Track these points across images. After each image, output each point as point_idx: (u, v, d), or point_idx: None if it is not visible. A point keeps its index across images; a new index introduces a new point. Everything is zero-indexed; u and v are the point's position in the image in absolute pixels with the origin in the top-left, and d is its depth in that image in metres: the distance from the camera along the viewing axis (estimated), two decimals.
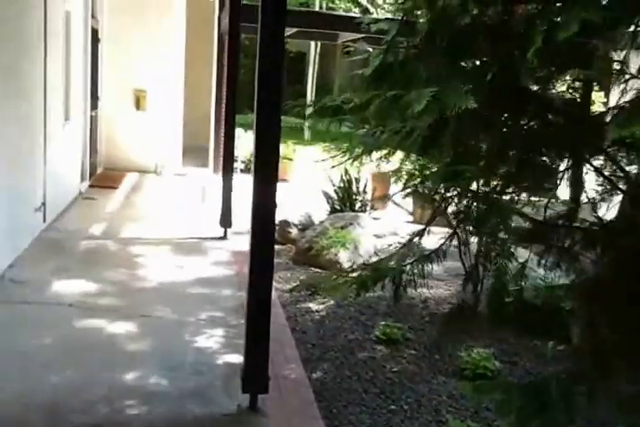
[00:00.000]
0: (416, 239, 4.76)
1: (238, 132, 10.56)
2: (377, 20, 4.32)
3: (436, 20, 3.13)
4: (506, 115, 3.70)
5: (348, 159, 4.86)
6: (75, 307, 6.02)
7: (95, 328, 5.61)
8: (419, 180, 4.62)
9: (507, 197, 4.21)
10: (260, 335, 4.37)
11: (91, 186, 11.56)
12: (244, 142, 12.40)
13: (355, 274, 4.88)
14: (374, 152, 4.66)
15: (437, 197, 4.59)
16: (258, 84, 4.10)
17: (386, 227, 10.28)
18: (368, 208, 11.14)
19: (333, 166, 4.59)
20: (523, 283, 4.45)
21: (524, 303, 4.25)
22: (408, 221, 11.20)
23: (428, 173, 4.27)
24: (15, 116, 7.02)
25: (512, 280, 4.36)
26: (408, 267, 4.52)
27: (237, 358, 4.93)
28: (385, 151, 4.65)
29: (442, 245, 4.65)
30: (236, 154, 10.65)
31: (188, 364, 5.10)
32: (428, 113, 2.94)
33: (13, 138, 6.99)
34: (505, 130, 3.73)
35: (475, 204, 4.11)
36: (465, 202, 4.23)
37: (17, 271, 6.74)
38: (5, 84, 6.69)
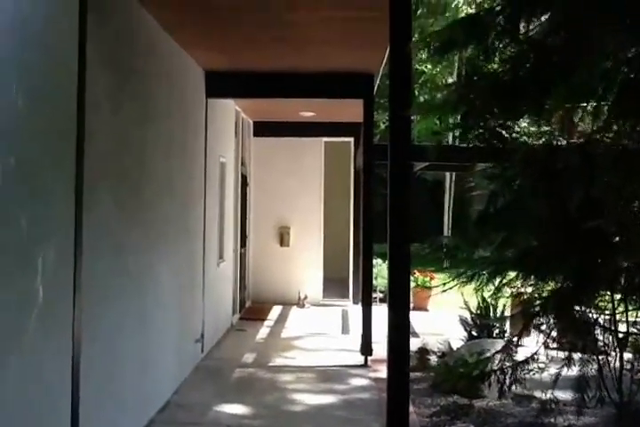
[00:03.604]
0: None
1: (376, 261, 11.28)
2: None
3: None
4: None
5: (470, 283, 5.28)
6: None
7: None
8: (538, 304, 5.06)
9: None
10: None
11: (241, 318, 12.64)
12: (383, 272, 13.11)
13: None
14: (495, 275, 5.05)
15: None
16: (389, 216, 4.84)
17: (524, 353, 10.54)
18: (506, 334, 11.44)
19: (457, 287, 5.08)
20: None
21: None
22: (551, 347, 11.37)
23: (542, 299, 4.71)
24: (183, 257, 8.15)
25: None
26: None
27: None
28: (511, 276, 5.04)
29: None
30: (374, 284, 11.32)
31: None
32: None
33: (183, 278, 8.11)
34: None
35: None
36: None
37: (181, 397, 7.64)
38: (176, 226, 7.87)
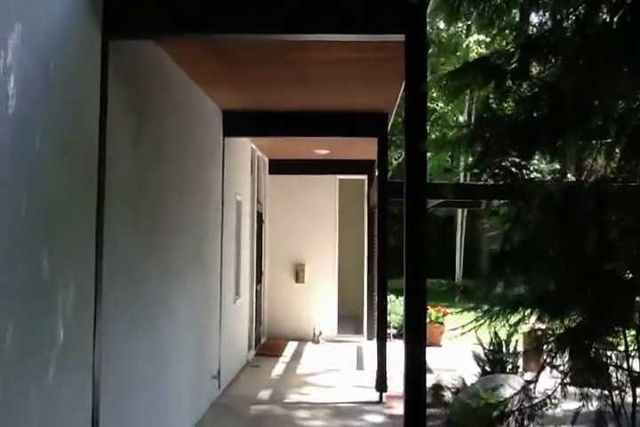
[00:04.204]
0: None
1: (390, 297, 11.26)
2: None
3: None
4: None
5: (488, 321, 5.24)
6: None
7: None
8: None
9: None
10: None
11: (257, 354, 12.56)
12: (397, 308, 13.08)
13: None
14: (511, 313, 5.03)
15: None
16: (405, 253, 4.82)
17: (538, 388, 10.45)
18: (520, 370, 11.36)
19: (475, 328, 5.03)
20: None
21: None
22: (565, 382, 11.27)
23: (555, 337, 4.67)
24: (200, 294, 8.15)
25: None
26: None
27: None
28: (526, 311, 5.02)
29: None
30: (388, 320, 11.30)
31: None
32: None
33: (199, 314, 8.10)
34: None
35: None
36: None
37: None
38: (193, 263, 7.88)
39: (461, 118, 25.14)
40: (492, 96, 3.66)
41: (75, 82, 4.56)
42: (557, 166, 4.70)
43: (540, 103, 3.44)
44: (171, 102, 7.02)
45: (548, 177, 4.27)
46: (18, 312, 3.79)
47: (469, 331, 5.26)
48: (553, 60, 3.47)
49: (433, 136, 24.06)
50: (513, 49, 3.55)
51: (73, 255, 4.53)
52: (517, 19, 3.93)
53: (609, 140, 3.30)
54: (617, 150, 3.41)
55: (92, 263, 4.80)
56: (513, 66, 3.41)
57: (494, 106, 3.61)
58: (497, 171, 3.78)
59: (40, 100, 4.05)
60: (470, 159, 3.89)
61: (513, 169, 3.86)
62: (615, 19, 3.32)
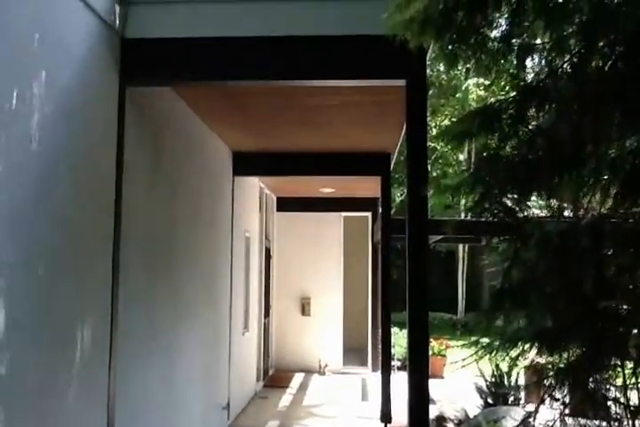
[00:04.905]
0: None
1: (394, 329, 11.26)
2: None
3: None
4: None
5: (488, 355, 5.23)
6: None
7: None
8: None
9: None
10: None
11: (264, 386, 12.49)
12: (400, 340, 13.04)
13: None
14: (511, 347, 5.04)
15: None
16: (408, 288, 4.85)
17: (539, 421, 10.37)
18: (522, 402, 11.29)
19: (476, 361, 5.02)
20: None
21: None
22: (565, 414, 11.19)
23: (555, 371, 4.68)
24: (210, 327, 8.16)
25: None
26: None
27: None
28: (526, 345, 5.03)
29: None
30: (392, 352, 11.28)
31: None
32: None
33: (209, 347, 8.10)
34: None
35: None
36: None
37: None
38: (204, 298, 7.90)
39: (462, 157, 25.27)
40: (489, 142, 3.72)
41: (93, 125, 4.66)
42: (554, 204, 4.74)
43: (536, 148, 3.50)
44: (184, 143, 7.11)
45: (545, 212, 4.31)
46: (38, 345, 3.83)
47: (470, 364, 5.29)
48: (548, 106, 3.54)
49: (434, 174, 24.22)
50: (510, 97, 3.63)
51: (89, 292, 4.58)
52: (514, 66, 4.01)
53: (603, 182, 3.35)
54: (611, 191, 3.46)
55: (107, 298, 4.84)
56: (510, 112, 3.48)
57: (492, 151, 3.68)
58: (496, 211, 3.84)
59: (60, 144, 4.14)
60: (470, 201, 3.94)
61: (512, 206, 3.91)
62: (607, 65, 3.39)
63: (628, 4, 3.23)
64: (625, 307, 3.78)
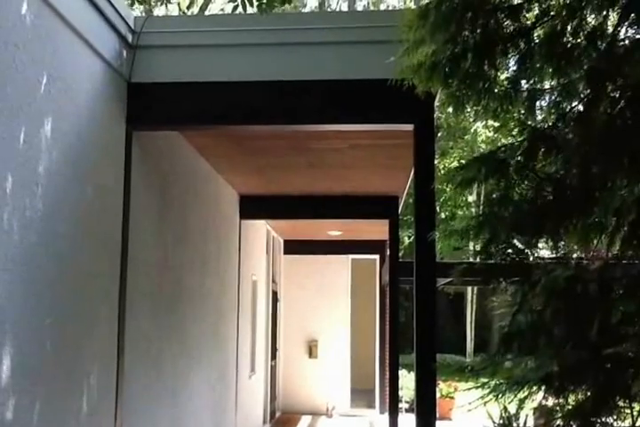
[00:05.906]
0: None
1: (401, 371, 11.09)
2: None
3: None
4: None
5: (497, 396, 5.11)
6: None
7: None
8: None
9: None
10: None
11: None
12: (408, 382, 12.83)
13: None
14: (518, 390, 4.94)
15: None
16: (416, 331, 4.81)
17: None
18: None
19: (484, 404, 4.92)
20: None
21: None
22: None
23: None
24: (217, 370, 8.06)
25: None
26: None
27: None
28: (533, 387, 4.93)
29: None
30: (400, 394, 11.10)
31: None
32: None
33: (216, 390, 7.99)
34: None
35: None
36: None
37: None
38: (210, 341, 7.82)
39: (470, 198, 25.21)
40: (496, 188, 3.69)
41: (100, 170, 4.66)
42: (562, 248, 4.69)
43: (543, 195, 3.47)
44: (191, 187, 7.11)
45: (554, 253, 4.26)
46: (44, 391, 3.77)
47: (477, 406, 5.17)
48: (555, 153, 3.51)
49: (443, 215, 24.14)
50: (517, 142, 3.60)
51: (95, 337, 4.53)
52: (521, 111, 3.99)
53: (609, 230, 3.31)
54: (617, 237, 3.42)
55: (113, 343, 4.80)
56: (517, 159, 3.46)
57: (499, 195, 3.64)
58: (503, 256, 3.80)
59: (67, 189, 4.13)
60: (478, 246, 3.91)
61: (521, 249, 3.87)
62: (615, 111, 3.37)
63: (635, 50, 3.23)
64: (630, 353, 3.71)
